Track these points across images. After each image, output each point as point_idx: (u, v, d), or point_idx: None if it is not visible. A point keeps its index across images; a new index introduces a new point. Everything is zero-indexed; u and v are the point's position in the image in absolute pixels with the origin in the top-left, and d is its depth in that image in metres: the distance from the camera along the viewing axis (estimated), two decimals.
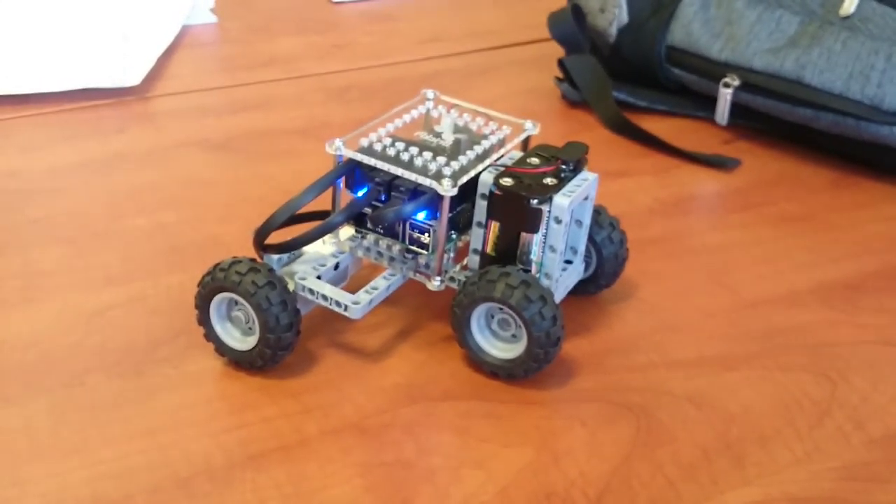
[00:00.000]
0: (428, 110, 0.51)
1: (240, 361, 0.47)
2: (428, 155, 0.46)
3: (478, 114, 0.50)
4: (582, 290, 0.52)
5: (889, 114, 0.63)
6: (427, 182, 0.44)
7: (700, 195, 0.65)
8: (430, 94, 0.52)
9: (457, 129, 0.49)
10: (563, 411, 0.45)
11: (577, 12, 0.76)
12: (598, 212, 0.50)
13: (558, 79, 0.78)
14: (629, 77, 0.76)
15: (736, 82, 0.68)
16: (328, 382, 0.46)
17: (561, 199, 0.44)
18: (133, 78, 0.77)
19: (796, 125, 0.68)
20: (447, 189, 0.44)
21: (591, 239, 0.50)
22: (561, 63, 0.76)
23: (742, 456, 0.43)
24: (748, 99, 0.68)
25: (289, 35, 0.91)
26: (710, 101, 0.71)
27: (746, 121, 0.71)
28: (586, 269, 0.51)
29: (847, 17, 0.65)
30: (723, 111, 0.70)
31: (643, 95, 0.76)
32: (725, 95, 0.69)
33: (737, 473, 0.42)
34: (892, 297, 0.54)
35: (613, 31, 0.75)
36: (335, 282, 0.49)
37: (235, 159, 0.67)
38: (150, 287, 0.53)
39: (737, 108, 0.70)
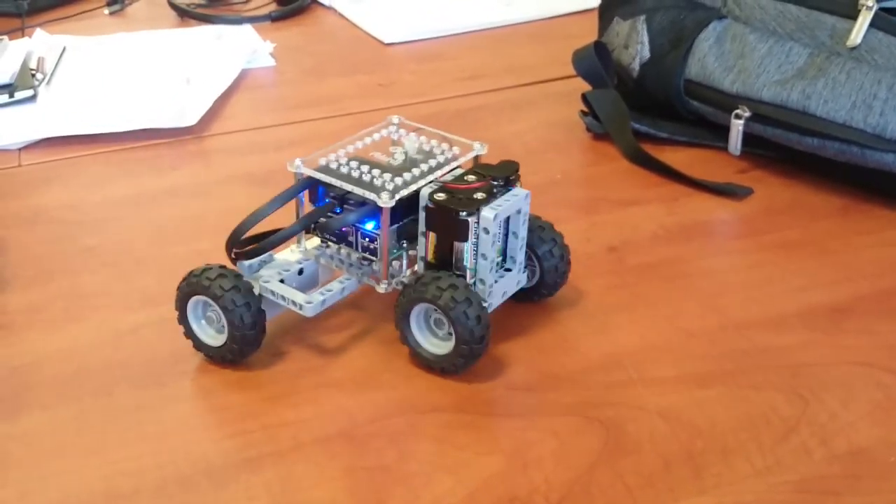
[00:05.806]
0: (390, 133, 0.57)
1: (213, 356, 0.53)
2: (377, 172, 0.52)
3: (436, 136, 0.56)
4: (525, 297, 0.56)
5: (892, 142, 0.64)
6: (369, 195, 0.50)
7: (706, 223, 0.67)
8: (394, 119, 0.58)
9: (419, 151, 0.55)
10: (540, 424, 0.48)
11: (600, 49, 0.80)
12: (542, 227, 0.55)
13: (583, 112, 0.81)
14: (652, 110, 0.79)
15: (747, 113, 0.70)
16: (324, 395, 0.51)
17: (487, 212, 0.50)
18: (190, 119, 0.84)
19: (807, 154, 0.70)
20: (385, 201, 0.49)
21: (533, 251, 0.55)
22: (584, 97, 0.79)
23: (702, 467, 0.45)
24: (759, 129, 0.70)
25: (340, 76, 0.97)
26: (727, 132, 0.73)
27: (760, 150, 0.73)
28: (530, 278, 0.56)
29: (854, 48, 0.67)
30: (735, 141, 0.72)
31: (664, 127, 0.78)
32: (737, 126, 0.71)
33: (694, 483, 0.44)
34: (877, 319, 0.55)
35: (637, 65, 0.79)
36: (303, 288, 0.54)
37: (271, 192, 0.72)
38: None
39: (751, 138, 0.72)
